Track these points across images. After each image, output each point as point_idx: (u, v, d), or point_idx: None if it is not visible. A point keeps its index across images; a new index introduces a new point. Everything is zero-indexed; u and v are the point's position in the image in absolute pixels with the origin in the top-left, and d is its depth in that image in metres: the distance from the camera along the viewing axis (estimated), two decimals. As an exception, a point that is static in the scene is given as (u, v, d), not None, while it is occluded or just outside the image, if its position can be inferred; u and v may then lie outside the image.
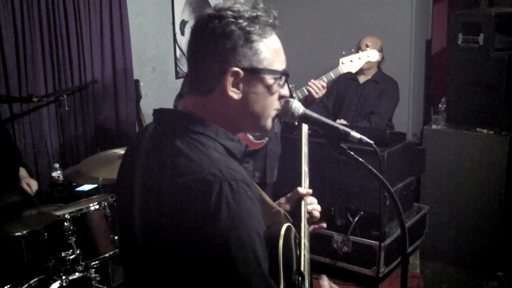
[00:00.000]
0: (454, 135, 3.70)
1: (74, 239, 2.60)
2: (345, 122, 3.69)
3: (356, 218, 3.35)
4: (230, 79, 1.10)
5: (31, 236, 2.54)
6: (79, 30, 3.40)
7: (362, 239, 3.34)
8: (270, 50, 1.14)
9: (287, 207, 1.59)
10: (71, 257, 2.58)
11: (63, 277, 2.55)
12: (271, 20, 1.15)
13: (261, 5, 1.15)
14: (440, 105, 3.84)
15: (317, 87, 3.10)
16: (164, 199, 1.05)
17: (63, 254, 2.58)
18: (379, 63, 3.98)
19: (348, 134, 1.40)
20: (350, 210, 3.41)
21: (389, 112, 3.90)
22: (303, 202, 1.54)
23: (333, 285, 1.37)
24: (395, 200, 1.43)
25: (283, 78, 1.18)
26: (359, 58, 3.25)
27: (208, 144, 1.09)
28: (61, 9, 3.28)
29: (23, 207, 2.84)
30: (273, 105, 1.19)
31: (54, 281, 2.55)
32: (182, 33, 4.33)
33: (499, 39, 3.52)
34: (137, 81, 3.81)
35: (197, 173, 1.03)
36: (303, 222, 1.49)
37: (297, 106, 1.42)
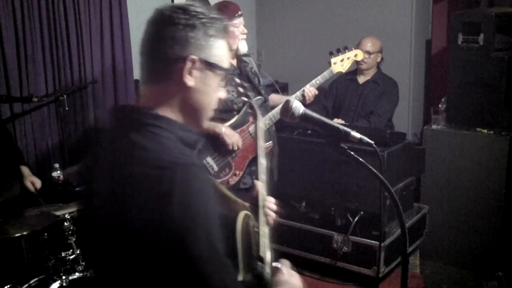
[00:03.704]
0: (454, 135, 3.70)
1: (74, 239, 2.60)
2: (343, 122, 3.69)
3: (356, 218, 3.35)
4: (187, 66, 1.18)
5: (31, 236, 2.54)
6: (79, 30, 3.40)
7: (362, 239, 3.34)
8: (221, 50, 1.24)
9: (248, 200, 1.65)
10: (71, 257, 2.58)
11: (63, 277, 2.55)
12: (224, 24, 1.26)
13: (215, 12, 1.26)
14: (440, 105, 3.84)
15: (311, 94, 3.14)
16: (123, 189, 1.11)
17: (63, 254, 2.58)
18: (378, 64, 3.98)
19: (348, 134, 1.40)
20: (350, 210, 3.41)
21: (389, 112, 3.90)
22: (260, 193, 1.59)
23: (292, 271, 1.41)
24: (395, 200, 1.43)
25: (226, 78, 1.28)
26: (348, 58, 3.28)
27: (161, 134, 1.16)
28: (61, 9, 3.28)
29: (25, 205, 2.83)
30: (214, 104, 1.28)
31: (54, 281, 2.55)
32: (182, 33, 4.32)
33: (499, 39, 3.52)
34: (137, 81, 3.81)
35: (151, 161, 1.09)
36: (261, 210, 1.54)
37: (298, 106, 1.42)
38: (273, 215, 1.60)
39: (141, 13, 3.90)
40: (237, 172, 2.99)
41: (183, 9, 1.19)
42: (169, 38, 1.17)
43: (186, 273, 1.06)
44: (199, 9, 1.20)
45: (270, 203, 1.61)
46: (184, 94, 1.21)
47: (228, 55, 1.27)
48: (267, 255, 1.46)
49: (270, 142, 3.11)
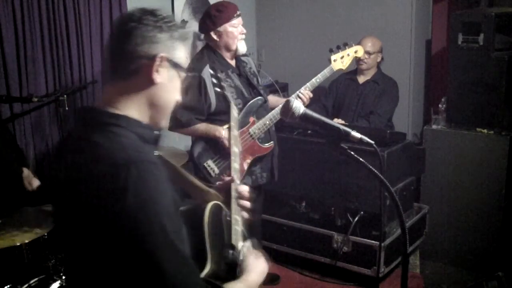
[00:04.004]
0: (454, 135, 3.70)
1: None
2: (343, 122, 3.69)
3: (356, 218, 3.35)
4: (156, 63, 1.24)
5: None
6: (79, 30, 3.40)
7: (362, 239, 3.34)
8: (184, 54, 1.31)
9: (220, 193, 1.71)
10: (71, 257, 2.58)
11: (63, 277, 2.55)
12: (186, 31, 1.33)
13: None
14: (440, 105, 3.84)
15: (306, 97, 3.11)
16: (82, 188, 1.16)
17: (63, 254, 2.57)
18: (378, 64, 3.98)
19: (348, 134, 1.40)
20: (350, 210, 3.41)
21: (389, 112, 3.91)
22: (232, 183, 1.65)
23: (258, 254, 1.49)
24: (395, 200, 1.43)
25: (185, 81, 1.34)
26: (348, 55, 3.27)
27: (119, 133, 1.21)
28: (61, 9, 3.28)
29: (25, 204, 2.83)
30: (173, 104, 1.33)
31: (54, 281, 2.55)
32: (182, 33, 4.32)
33: (499, 39, 3.52)
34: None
35: (108, 159, 1.14)
36: (233, 199, 1.60)
37: (298, 106, 1.42)
38: (247, 203, 1.65)
39: (141, 13, 3.90)
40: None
41: (151, 12, 1.26)
42: (139, 37, 1.23)
43: (143, 266, 1.11)
44: (165, 14, 1.29)
45: (244, 192, 1.65)
46: (149, 91, 1.26)
47: (187, 62, 1.34)
48: (240, 242, 1.52)
49: (272, 142, 3.10)
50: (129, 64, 1.25)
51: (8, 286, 2.51)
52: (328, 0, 4.53)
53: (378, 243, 3.22)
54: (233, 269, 1.45)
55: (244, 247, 1.51)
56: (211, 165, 2.97)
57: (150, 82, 1.25)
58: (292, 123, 2.86)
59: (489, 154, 3.54)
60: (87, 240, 1.17)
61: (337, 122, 3.30)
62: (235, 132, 1.87)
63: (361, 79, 3.99)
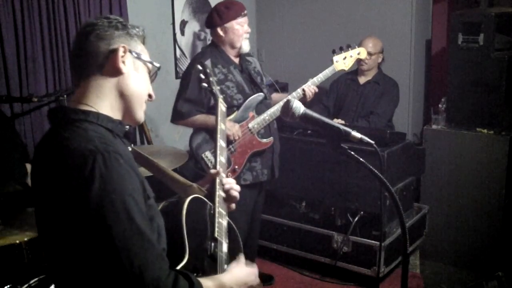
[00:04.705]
0: (454, 135, 3.70)
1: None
2: (343, 122, 3.69)
3: (356, 218, 3.35)
4: (120, 54, 1.30)
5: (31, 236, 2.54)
6: (79, 30, 3.40)
7: (362, 239, 3.34)
8: (144, 51, 1.39)
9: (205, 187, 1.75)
10: (71, 257, 2.58)
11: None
12: (142, 33, 1.40)
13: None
14: (440, 105, 3.84)
15: (311, 92, 3.14)
16: (52, 179, 1.21)
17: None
18: (379, 64, 3.98)
19: (348, 134, 1.40)
20: (350, 210, 3.41)
21: (389, 113, 3.91)
22: (217, 178, 1.68)
23: (240, 267, 1.47)
24: (395, 200, 1.43)
25: (155, 73, 1.42)
26: (351, 56, 3.29)
27: (88, 128, 1.26)
28: (61, 9, 3.28)
29: (27, 203, 2.83)
30: (145, 96, 1.38)
31: (54, 281, 2.55)
32: (182, 33, 4.32)
33: (499, 39, 3.52)
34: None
35: (75, 151, 1.19)
36: (217, 192, 1.62)
37: (298, 106, 1.42)
38: (236, 194, 1.68)
39: (141, 13, 3.90)
40: (236, 168, 3.01)
41: (105, 17, 1.36)
42: (97, 37, 1.30)
43: (110, 250, 1.14)
44: (119, 18, 1.37)
45: (230, 184, 1.69)
46: (117, 83, 1.32)
47: (148, 59, 1.39)
48: (223, 235, 1.54)
49: (271, 137, 3.12)
50: (92, 61, 1.31)
51: (8, 286, 2.51)
52: (328, 0, 4.53)
53: (378, 243, 3.22)
54: (214, 263, 1.46)
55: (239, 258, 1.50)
56: (209, 156, 3.00)
57: (117, 73, 1.31)
58: (292, 123, 2.86)
59: (489, 154, 3.54)
60: (57, 227, 1.22)
61: (337, 122, 3.31)
62: (222, 126, 1.90)
63: (362, 79, 3.99)
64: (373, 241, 3.29)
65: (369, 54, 3.81)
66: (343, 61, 3.24)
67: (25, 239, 2.47)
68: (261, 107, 3.08)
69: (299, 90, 3.15)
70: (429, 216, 3.76)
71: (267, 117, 3.05)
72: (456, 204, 3.71)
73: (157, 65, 1.42)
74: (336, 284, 3.49)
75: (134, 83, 1.34)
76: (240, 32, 3.03)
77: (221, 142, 1.85)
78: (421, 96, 4.47)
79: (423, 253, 3.80)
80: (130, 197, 1.18)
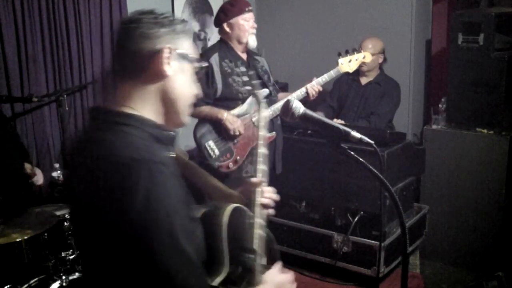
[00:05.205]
0: (454, 135, 3.70)
1: (74, 239, 2.60)
2: (342, 122, 3.70)
3: (356, 218, 3.35)
4: (165, 55, 1.23)
5: (31, 236, 2.54)
6: (79, 30, 3.40)
7: (362, 239, 3.34)
8: (190, 47, 1.30)
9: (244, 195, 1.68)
10: (71, 257, 2.59)
11: (63, 277, 2.55)
12: (188, 27, 1.33)
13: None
14: (440, 105, 3.84)
15: (315, 91, 3.24)
16: (92, 186, 1.15)
17: (63, 254, 2.58)
18: (380, 65, 3.98)
19: (348, 134, 1.40)
20: (350, 210, 3.41)
21: (389, 114, 3.90)
22: (256, 186, 1.61)
23: (280, 276, 1.45)
24: (395, 200, 1.43)
25: (200, 72, 1.33)
26: (356, 59, 3.39)
27: (132, 133, 1.19)
28: (61, 9, 3.28)
29: (26, 204, 2.83)
30: (190, 97, 1.31)
31: (54, 281, 2.55)
32: (182, 33, 4.32)
33: (499, 39, 3.52)
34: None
35: (119, 158, 1.13)
36: (257, 203, 1.56)
37: (298, 106, 1.42)
38: (271, 204, 1.62)
39: (141, 13, 3.90)
40: (238, 158, 3.10)
41: (149, 11, 1.26)
42: (141, 36, 1.23)
43: (148, 266, 1.10)
44: (163, 12, 1.28)
45: (268, 193, 1.62)
46: (161, 86, 1.25)
47: (195, 54, 1.32)
48: (262, 246, 1.48)
49: (273, 132, 3.18)
50: (136, 62, 1.24)
51: (8, 286, 2.51)
52: (328, 0, 4.53)
53: (378, 243, 3.22)
54: (251, 275, 1.41)
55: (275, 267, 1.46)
56: (212, 146, 3.08)
57: (161, 76, 1.24)
58: (292, 123, 2.88)
59: (489, 154, 3.54)
60: (96, 237, 1.17)
61: (337, 122, 3.32)
62: (264, 133, 1.80)
63: (364, 80, 3.99)
64: (373, 241, 3.28)
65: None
66: (348, 64, 3.35)
67: (25, 237, 2.47)
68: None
69: (303, 89, 3.22)
70: (429, 216, 3.76)
71: (271, 112, 3.13)
72: (456, 204, 3.71)
73: (205, 64, 1.34)
74: (336, 284, 3.48)
75: (180, 85, 1.27)
76: (246, 27, 3.13)
77: (263, 149, 1.74)
78: (421, 96, 4.47)
79: (423, 253, 3.80)
80: (175, 213, 1.12)
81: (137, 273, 1.12)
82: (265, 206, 1.62)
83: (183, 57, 1.27)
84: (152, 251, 1.09)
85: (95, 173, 1.15)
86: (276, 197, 1.65)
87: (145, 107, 1.24)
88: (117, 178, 1.11)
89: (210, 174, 1.64)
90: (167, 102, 1.27)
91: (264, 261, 1.46)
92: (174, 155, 1.31)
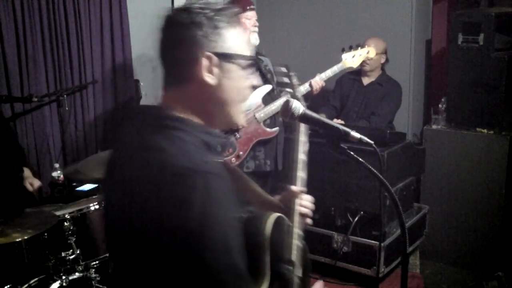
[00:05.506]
0: (454, 135, 3.70)
1: (74, 239, 2.60)
2: (342, 122, 3.70)
3: (356, 218, 3.35)
4: (204, 64, 1.14)
5: (31, 236, 2.54)
6: (79, 30, 3.40)
7: (362, 239, 3.34)
8: (238, 39, 1.18)
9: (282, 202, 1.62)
10: (71, 257, 2.58)
11: (63, 277, 2.55)
12: (233, 12, 1.20)
13: (222, 2, 1.22)
14: (440, 105, 3.84)
15: (318, 85, 3.28)
16: (142, 194, 1.08)
17: (63, 254, 2.58)
18: (382, 65, 3.98)
19: (348, 134, 1.40)
20: (350, 210, 3.41)
21: (390, 114, 3.90)
22: (295, 195, 1.56)
23: None
24: (395, 200, 1.43)
25: (252, 65, 1.23)
26: (360, 55, 3.40)
27: (185, 138, 1.12)
28: (61, 9, 3.28)
29: (25, 205, 2.84)
30: (244, 94, 1.23)
31: (54, 281, 2.55)
32: (182, 33, 4.32)
33: (499, 39, 3.52)
34: (137, 81, 3.81)
35: (172, 167, 1.06)
36: (296, 213, 1.51)
37: (297, 106, 1.42)
38: (309, 213, 1.58)
39: (141, 13, 3.90)
40: (240, 153, 3.11)
41: (185, 9, 1.16)
42: (176, 41, 1.15)
43: (201, 281, 1.05)
44: (202, 5, 1.16)
45: (306, 202, 1.58)
46: (207, 94, 1.17)
47: (248, 43, 1.22)
48: (299, 258, 1.42)
49: (277, 128, 3.19)
50: (176, 71, 1.17)
51: (8, 286, 2.51)
52: (328, 0, 4.52)
53: (378, 243, 3.22)
54: (288, 287, 1.36)
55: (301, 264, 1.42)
56: None
57: (206, 86, 1.15)
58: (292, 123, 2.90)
59: (489, 154, 3.54)
60: (142, 246, 1.09)
61: (337, 122, 3.33)
62: (303, 138, 1.73)
63: (366, 80, 3.98)
64: (373, 241, 3.28)
65: (371, 55, 3.82)
66: (352, 59, 3.35)
67: (25, 237, 2.46)
68: (268, 99, 3.18)
69: (307, 84, 3.23)
70: (429, 216, 3.76)
71: (273, 107, 3.15)
72: (456, 204, 3.71)
73: (252, 57, 1.22)
74: (336, 284, 3.48)
75: (228, 92, 1.18)
76: (248, 25, 3.16)
77: (301, 155, 1.69)
78: (421, 96, 4.46)
79: (423, 253, 3.80)
80: (230, 226, 1.07)
81: (187, 286, 1.07)
82: (303, 216, 1.57)
83: (227, 58, 1.16)
84: (206, 267, 1.04)
85: (143, 181, 1.09)
86: (313, 206, 1.61)
87: (194, 111, 1.17)
88: (170, 188, 1.04)
89: (250, 179, 1.59)
90: (216, 107, 1.19)
91: (300, 272, 1.41)
92: (223, 161, 1.25)
